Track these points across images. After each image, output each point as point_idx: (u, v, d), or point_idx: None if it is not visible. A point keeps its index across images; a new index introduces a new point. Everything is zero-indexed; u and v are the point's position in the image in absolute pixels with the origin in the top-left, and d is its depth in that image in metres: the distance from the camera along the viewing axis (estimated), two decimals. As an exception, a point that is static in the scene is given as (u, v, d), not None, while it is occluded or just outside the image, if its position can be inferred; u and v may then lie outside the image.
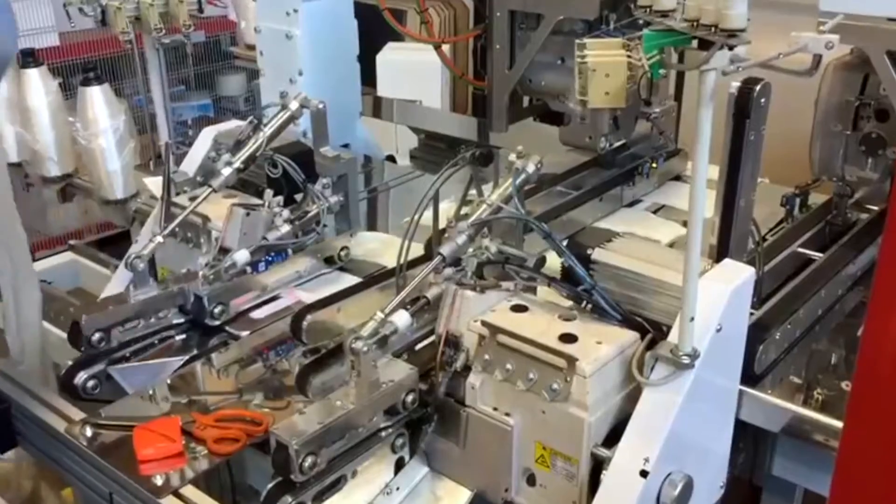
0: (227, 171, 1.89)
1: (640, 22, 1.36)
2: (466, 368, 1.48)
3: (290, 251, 1.90)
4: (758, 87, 1.42)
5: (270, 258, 1.87)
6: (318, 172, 1.97)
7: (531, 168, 1.63)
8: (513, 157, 1.63)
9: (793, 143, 2.04)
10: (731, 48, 1.08)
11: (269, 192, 1.86)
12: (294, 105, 1.98)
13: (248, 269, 1.82)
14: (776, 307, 1.69)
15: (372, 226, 2.41)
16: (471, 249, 1.56)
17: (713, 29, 1.10)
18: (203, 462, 1.44)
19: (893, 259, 0.97)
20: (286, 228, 1.85)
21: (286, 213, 1.86)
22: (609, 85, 1.21)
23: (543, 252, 1.60)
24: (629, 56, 1.19)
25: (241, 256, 1.78)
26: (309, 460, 1.34)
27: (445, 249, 1.55)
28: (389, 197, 2.63)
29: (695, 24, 1.13)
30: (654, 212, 2.27)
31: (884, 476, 1.08)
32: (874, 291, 1.01)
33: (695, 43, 1.18)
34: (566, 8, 1.92)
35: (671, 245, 2.03)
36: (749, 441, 1.69)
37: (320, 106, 1.99)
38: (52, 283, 2.50)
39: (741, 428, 1.61)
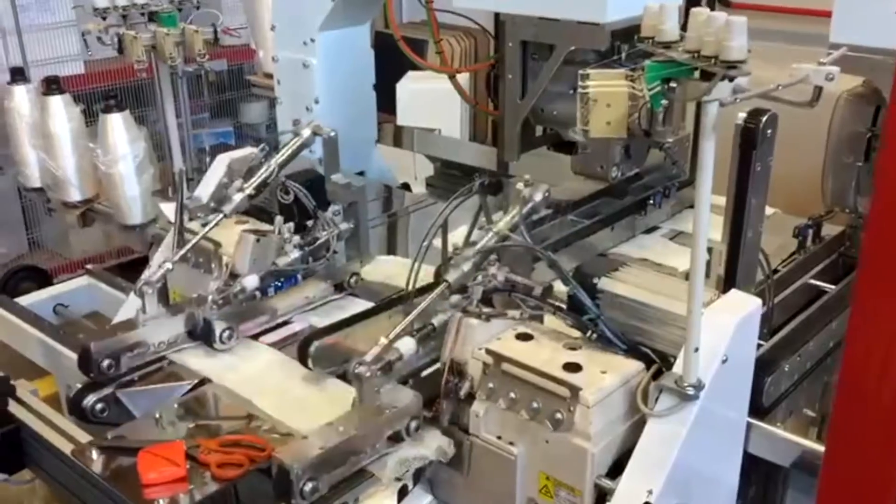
0: (238, 197, 1.92)
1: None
2: (471, 396, 1.48)
3: (300, 277, 1.91)
4: (764, 118, 1.42)
5: (280, 283, 1.88)
6: (329, 199, 1.99)
7: (538, 197, 1.65)
8: (520, 185, 1.64)
9: (815, 171, 2.02)
10: (731, 79, 1.08)
11: (279, 219, 1.88)
12: (306, 132, 2.01)
13: (258, 293, 1.84)
14: (785, 339, 1.67)
15: (392, 250, 2.44)
16: (480, 277, 1.56)
17: (713, 60, 1.10)
18: (206, 487, 1.43)
19: (869, 299, 0.98)
20: (296, 254, 1.87)
21: (296, 238, 1.88)
22: (610, 115, 1.22)
23: (552, 281, 1.60)
24: (631, 86, 1.20)
25: (251, 281, 1.80)
26: (310, 485, 1.34)
27: (451, 276, 1.56)
28: (410, 222, 2.65)
29: (696, 55, 1.14)
30: (671, 238, 2.26)
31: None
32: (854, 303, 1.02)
33: (697, 73, 1.19)
34: (577, 39, 1.92)
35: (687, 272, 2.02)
36: (761, 474, 1.66)
37: (332, 134, 2.01)
38: (68, 306, 2.52)
39: (752, 461, 1.59)
